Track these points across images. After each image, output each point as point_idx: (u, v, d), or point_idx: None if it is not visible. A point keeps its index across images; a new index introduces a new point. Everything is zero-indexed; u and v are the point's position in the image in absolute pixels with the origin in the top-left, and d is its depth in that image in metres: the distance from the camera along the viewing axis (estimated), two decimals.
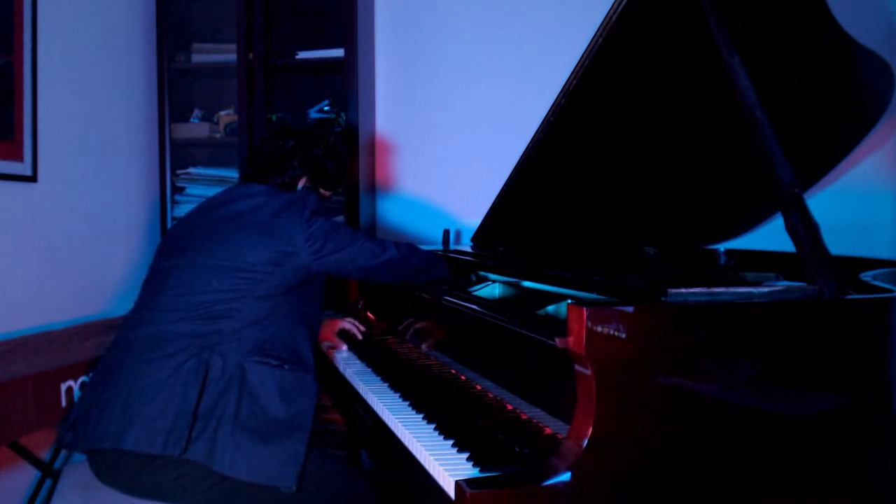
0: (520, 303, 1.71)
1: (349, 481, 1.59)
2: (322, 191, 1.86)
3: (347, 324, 2.05)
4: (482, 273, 1.81)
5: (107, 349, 1.61)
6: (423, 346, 1.81)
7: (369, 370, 1.75)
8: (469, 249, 2.09)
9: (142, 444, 1.40)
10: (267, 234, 1.58)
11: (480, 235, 2.04)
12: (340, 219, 2.53)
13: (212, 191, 2.56)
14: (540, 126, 1.58)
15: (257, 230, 1.59)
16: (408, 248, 1.76)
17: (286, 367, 1.55)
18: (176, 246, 1.66)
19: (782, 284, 1.15)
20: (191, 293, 1.55)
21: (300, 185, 1.80)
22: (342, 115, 2.56)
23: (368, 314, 2.26)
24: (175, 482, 1.44)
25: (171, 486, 1.45)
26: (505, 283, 1.80)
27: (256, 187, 1.72)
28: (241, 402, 1.46)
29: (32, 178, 2.09)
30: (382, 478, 1.68)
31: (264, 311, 1.56)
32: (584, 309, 0.96)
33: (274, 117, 2.61)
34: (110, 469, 1.49)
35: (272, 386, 1.51)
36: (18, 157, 2.04)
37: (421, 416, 1.35)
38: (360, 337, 2.03)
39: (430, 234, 2.70)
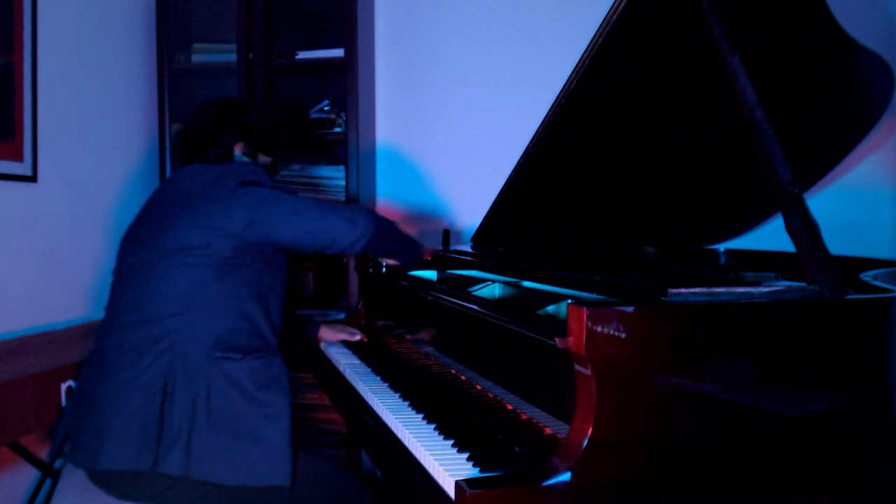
0: (520, 303, 1.71)
1: (343, 482, 1.59)
2: (263, 157, 1.80)
3: (346, 335, 2.05)
4: (482, 273, 1.81)
5: (86, 358, 1.58)
6: (423, 346, 1.81)
7: (369, 370, 1.75)
8: (469, 249, 2.08)
9: (115, 462, 1.37)
10: (202, 211, 1.52)
11: (480, 235, 2.04)
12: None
13: None
14: (540, 126, 1.58)
15: (193, 209, 1.53)
16: (369, 216, 1.65)
17: (251, 357, 1.49)
18: (129, 245, 1.61)
19: (782, 284, 1.15)
20: (145, 293, 1.50)
21: (238, 151, 1.73)
22: (342, 115, 2.56)
23: (368, 314, 2.26)
24: (168, 493, 1.42)
25: (166, 497, 1.43)
26: (505, 283, 1.80)
27: (188, 169, 1.67)
28: (209, 403, 1.42)
29: (32, 178, 2.09)
30: (382, 478, 1.68)
31: (219, 300, 1.50)
32: (584, 309, 0.96)
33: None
34: (103, 482, 1.48)
35: (239, 381, 1.45)
36: (18, 157, 2.04)
37: (421, 416, 1.35)
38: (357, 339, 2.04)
39: (430, 234, 2.70)
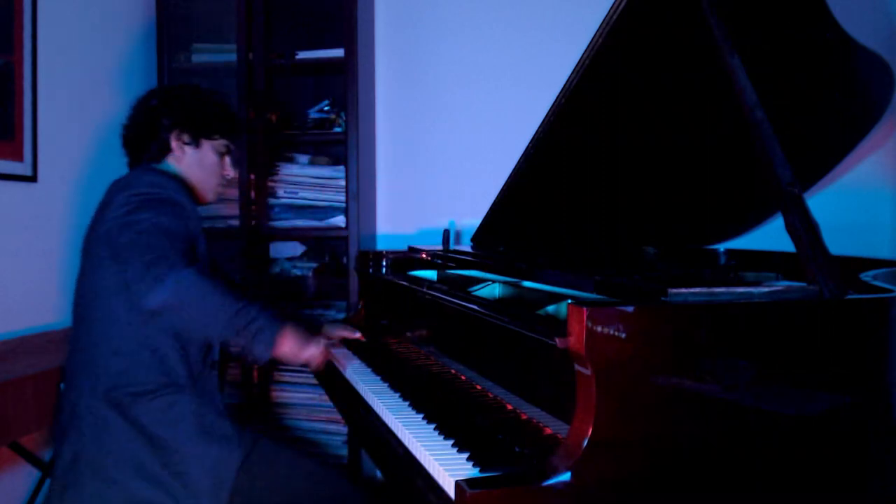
0: (520, 303, 1.71)
1: (332, 482, 1.59)
2: (215, 141, 1.67)
3: (346, 332, 2.04)
4: (482, 273, 1.81)
5: None
6: (424, 346, 1.81)
7: (369, 370, 1.75)
8: (469, 249, 2.09)
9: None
10: (97, 226, 1.49)
11: (480, 235, 2.04)
12: (340, 219, 2.52)
13: None
14: (540, 126, 1.58)
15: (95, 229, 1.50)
16: (187, 288, 1.35)
17: (153, 396, 1.44)
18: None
19: (782, 284, 1.15)
20: (79, 323, 1.51)
21: (175, 143, 1.63)
22: (342, 115, 2.56)
23: (368, 314, 2.26)
24: None
25: None
26: (505, 283, 1.80)
27: (120, 181, 1.58)
28: (97, 448, 1.41)
29: (32, 178, 2.09)
30: (382, 478, 1.68)
31: (124, 329, 1.44)
32: (585, 309, 0.96)
33: (274, 118, 2.62)
34: None
35: (137, 421, 1.42)
36: (18, 157, 2.04)
37: (421, 416, 1.35)
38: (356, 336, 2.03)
39: (430, 235, 2.70)
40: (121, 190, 1.49)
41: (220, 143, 1.69)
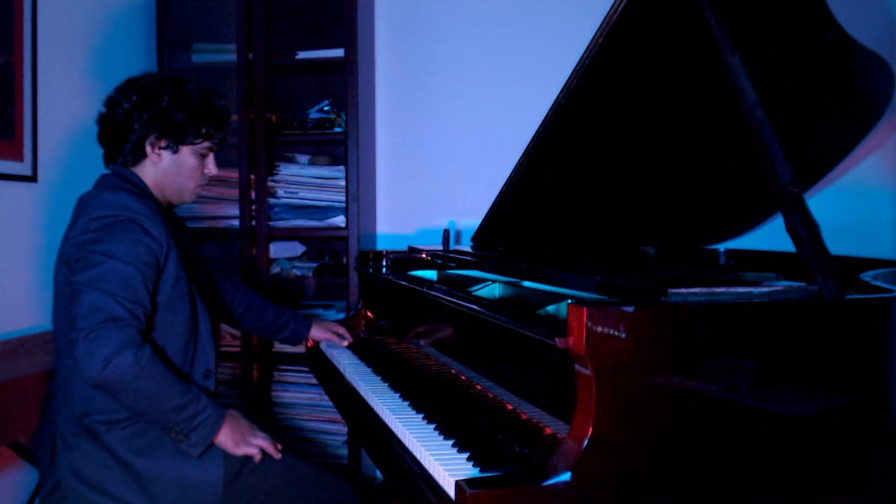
0: (520, 303, 1.71)
1: (329, 485, 1.59)
2: (195, 146, 1.56)
3: (335, 336, 2.05)
4: (482, 273, 1.81)
5: None
6: (423, 346, 1.81)
7: (369, 370, 1.75)
8: (469, 249, 2.09)
9: None
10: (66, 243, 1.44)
11: (480, 235, 2.04)
12: (340, 219, 2.53)
13: (211, 190, 2.56)
14: (540, 125, 1.58)
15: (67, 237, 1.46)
16: (127, 366, 1.28)
17: (121, 426, 1.41)
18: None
19: (782, 284, 1.15)
20: (55, 336, 1.49)
21: (150, 148, 1.52)
22: (342, 115, 2.56)
23: (368, 313, 2.26)
24: None
25: None
26: (505, 283, 1.80)
27: (98, 186, 1.52)
28: (70, 483, 1.39)
29: (32, 178, 2.09)
30: (383, 478, 1.68)
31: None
32: (585, 309, 0.96)
33: (274, 118, 2.62)
34: None
35: (113, 449, 1.40)
36: (18, 157, 2.04)
37: (421, 416, 1.35)
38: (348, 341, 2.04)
39: (430, 234, 2.70)
40: (85, 208, 1.44)
41: (202, 146, 1.57)
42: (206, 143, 1.58)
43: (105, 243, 1.36)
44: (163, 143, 1.52)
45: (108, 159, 1.57)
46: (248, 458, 1.50)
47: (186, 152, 1.56)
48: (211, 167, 1.61)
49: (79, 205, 1.51)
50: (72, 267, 1.38)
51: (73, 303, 1.33)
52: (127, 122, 1.49)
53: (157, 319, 1.44)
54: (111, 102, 1.52)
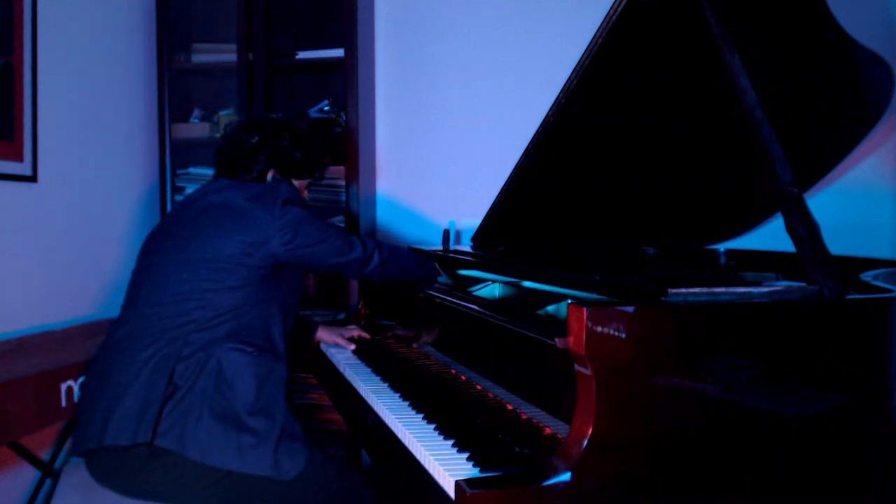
0: (520, 303, 1.71)
1: (351, 482, 1.59)
2: (295, 181, 1.84)
3: (343, 340, 2.06)
4: (482, 273, 1.81)
5: (101, 346, 1.63)
6: (424, 346, 1.81)
7: (369, 370, 1.75)
8: (469, 249, 2.09)
9: (117, 436, 1.42)
10: (239, 226, 1.59)
11: (480, 235, 2.04)
12: (339, 219, 2.53)
13: None
14: (540, 126, 1.58)
15: (229, 222, 1.60)
16: (384, 251, 1.78)
17: (259, 354, 1.55)
18: (154, 245, 1.68)
19: (782, 284, 1.15)
20: (164, 288, 1.56)
21: (269, 177, 1.79)
22: (342, 115, 2.56)
23: (368, 313, 2.26)
24: (171, 483, 1.44)
25: (169, 488, 1.45)
26: (505, 283, 1.80)
27: (225, 181, 1.73)
28: (212, 389, 1.47)
29: (32, 178, 2.09)
30: (382, 478, 1.68)
31: (237, 300, 1.56)
32: (584, 309, 0.96)
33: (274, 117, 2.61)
34: (107, 473, 1.50)
35: (246, 373, 1.51)
36: (18, 157, 2.04)
37: (421, 416, 1.35)
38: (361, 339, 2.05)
39: (430, 235, 2.70)
40: (267, 196, 1.64)
41: (304, 182, 1.88)
42: (309, 180, 1.90)
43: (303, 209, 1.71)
44: (277, 175, 1.80)
45: (226, 173, 1.80)
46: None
47: (293, 182, 1.84)
48: (304, 193, 1.91)
49: (240, 191, 1.68)
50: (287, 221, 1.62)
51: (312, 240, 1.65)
52: (253, 154, 1.77)
53: (287, 284, 1.70)
54: (235, 136, 1.80)
